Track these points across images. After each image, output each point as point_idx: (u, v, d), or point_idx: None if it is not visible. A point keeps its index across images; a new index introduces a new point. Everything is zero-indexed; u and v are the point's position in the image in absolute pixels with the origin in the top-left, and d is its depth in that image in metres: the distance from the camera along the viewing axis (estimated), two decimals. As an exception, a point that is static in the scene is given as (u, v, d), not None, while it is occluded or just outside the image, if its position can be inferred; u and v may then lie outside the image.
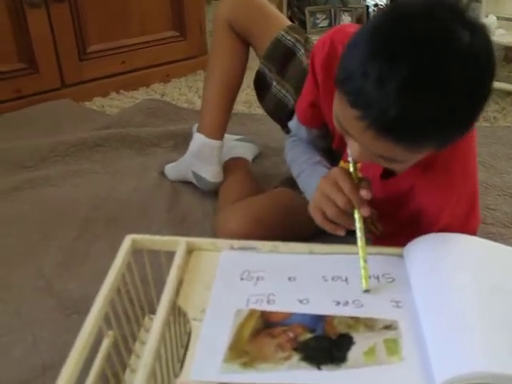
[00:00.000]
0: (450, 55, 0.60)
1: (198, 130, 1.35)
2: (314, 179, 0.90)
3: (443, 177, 0.79)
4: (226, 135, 1.38)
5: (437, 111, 0.62)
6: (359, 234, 0.74)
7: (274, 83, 1.24)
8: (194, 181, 1.38)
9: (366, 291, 0.69)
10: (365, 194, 0.75)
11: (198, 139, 1.33)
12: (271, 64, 1.23)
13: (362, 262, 0.72)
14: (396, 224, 0.91)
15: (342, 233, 0.78)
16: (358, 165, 0.82)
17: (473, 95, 0.63)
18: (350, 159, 0.79)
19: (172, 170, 1.46)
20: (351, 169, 0.79)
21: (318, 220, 0.81)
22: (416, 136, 0.65)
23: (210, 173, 1.33)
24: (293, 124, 1.09)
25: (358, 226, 0.75)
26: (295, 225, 1.13)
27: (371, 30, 0.64)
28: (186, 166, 1.38)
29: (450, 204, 0.79)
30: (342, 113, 0.69)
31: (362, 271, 0.71)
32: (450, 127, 0.65)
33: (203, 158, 1.33)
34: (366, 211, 0.75)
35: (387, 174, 0.87)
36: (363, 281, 0.70)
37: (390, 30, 0.62)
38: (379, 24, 0.64)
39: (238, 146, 1.53)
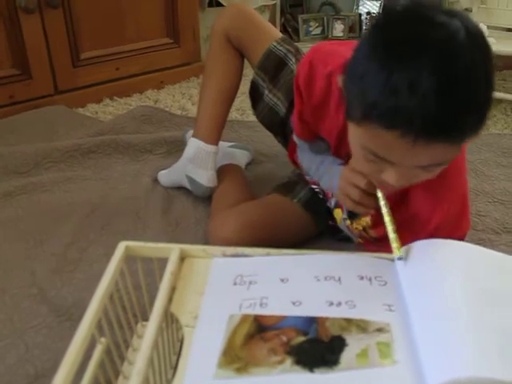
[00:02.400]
0: (457, 44, 0.62)
1: (194, 135, 1.36)
2: (336, 175, 0.95)
3: (436, 180, 0.80)
4: (219, 142, 1.39)
5: (470, 94, 0.63)
6: (385, 209, 0.81)
7: (266, 92, 1.26)
8: (188, 185, 1.38)
9: (400, 258, 0.74)
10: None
11: (194, 144, 1.34)
12: (264, 73, 1.26)
13: (392, 234, 0.77)
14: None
15: (372, 211, 0.87)
16: None
17: (487, 70, 0.65)
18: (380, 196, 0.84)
19: (165, 176, 1.47)
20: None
21: (348, 204, 0.90)
22: (462, 126, 0.65)
23: (205, 177, 1.34)
24: (296, 138, 1.13)
25: (383, 202, 0.81)
26: (288, 231, 1.15)
27: (375, 52, 0.65)
28: (180, 171, 1.39)
29: (442, 207, 0.81)
30: (374, 142, 0.68)
31: (394, 242, 0.76)
32: (482, 106, 0.66)
33: (198, 163, 1.34)
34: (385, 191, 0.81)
35: None
36: (396, 250, 0.75)
37: (393, 45, 0.63)
38: (384, 41, 0.65)
39: (231, 153, 1.54)
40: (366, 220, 0.98)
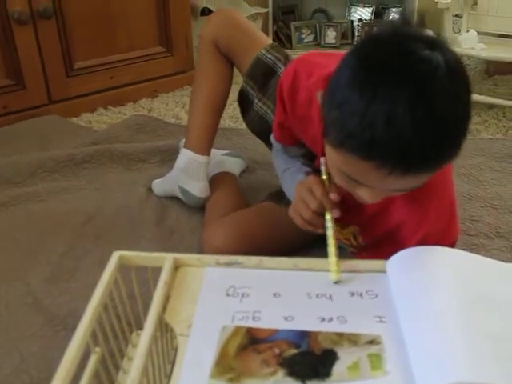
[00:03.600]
0: (437, 79, 0.61)
1: (185, 146, 1.36)
2: (293, 187, 0.97)
3: (421, 190, 0.80)
4: (213, 150, 1.39)
5: (448, 128, 0.63)
6: (330, 232, 0.83)
7: (256, 100, 1.26)
8: (181, 196, 1.39)
9: (337, 282, 0.74)
10: (334, 196, 0.85)
11: (185, 155, 1.34)
12: (253, 82, 1.26)
13: (333, 258, 0.77)
14: (376, 238, 0.92)
15: (320, 231, 0.87)
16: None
17: (465, 103, 0.65)
18: (322, 168, 0.88)
19: (159, 185, 1.47)
20: (324, 176, 0.89)
21: (297, 221, 0.91)
22: (438, 158, 0.66)
23: (197, 188, 1.35)
24: (272, 139, 1.14)
25: (329, 225, 0.84)
26: (281, 239, 1.15)
27: (355, 81, 0.64)
28: (173, 182, 1.39)
29: (428, 217, 0.81)
30: (349, 168, 0.69)
31: (334, 265, 0.76)
32: (458, 136, 0.66)
33: (190, 174, 1.34)
34: (336, 213, 0.85)
35: None
36: (334, 274, 0.75)
37: (374, 75, 0.62)
38: (362, 72, 0.64)
39: (225, 161, 1.54)
40: (353, 228, 0.98)
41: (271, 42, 1.30)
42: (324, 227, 0.86)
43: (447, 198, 0.85)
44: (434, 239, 0.79)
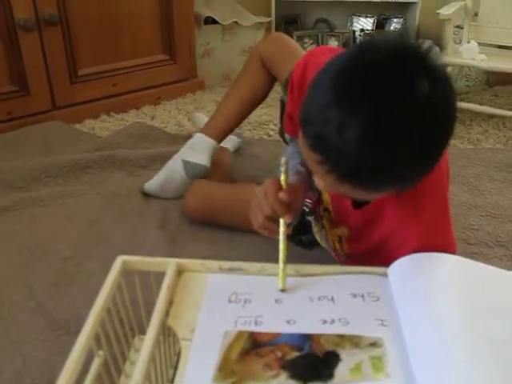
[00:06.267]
0: (407, 106, 0.61)
1: (201, 131, 1.46)
2: None
3: (414, 201, 0.80)
4: None
5: (394, 159, 0.63)
6: (281, 237, 0.82)
7: None
8: (182, 170, 1.44)
9: (283, 290, 0.74)
10: (282, 195, 0.84)
11: (197, 135, 1.45)
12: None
13: (280, 264, 0.77)
14: (366, 247, 0.93)
15: (274, 236, 0.85)
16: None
17: (430, 144, 0.64)
18: (281, 169, 0.88)
19: (153, 183, 1.50)
20: (282, 177, 0.88)
21: (254, 225, 0.90)
22: (374, 183, 0.67)
23: (199, 158, 1.43)
24: (286, 134, 1.19)
25: (282, 230, 0.83)
26: (240, 215, 1.21)
27: (333, 76, 0.65)
28: (177, 157, 1.45)
29: (418, 229, 0.80)
30: (304, 153, 0.70)
31: (280, 272, 0.75)
32: (407, 175, 0.67)
33: (195, 148, 1.44)
34: (289, 218, 0.84)
35: (359, 203, 0.90)
36: (280, 281, 0.75)
37: (350, 79, 0.63)
38: (340, 71, 0.65)
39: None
40: (343, 230, 0.98)
41: None
42: (274, 232, 0.85)
43: (440, 212, 0.83)
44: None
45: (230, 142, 1.70)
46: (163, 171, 1.48)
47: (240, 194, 1.28)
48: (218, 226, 1.34)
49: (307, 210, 1.16)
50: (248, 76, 1.44)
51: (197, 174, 1.43)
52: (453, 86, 0.66)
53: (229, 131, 1.48)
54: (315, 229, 1.13)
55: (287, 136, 1.15)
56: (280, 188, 0.86)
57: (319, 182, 0.75)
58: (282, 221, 0.84)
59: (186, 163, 1.43)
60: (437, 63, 0.64)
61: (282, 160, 0.88)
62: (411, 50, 0.64)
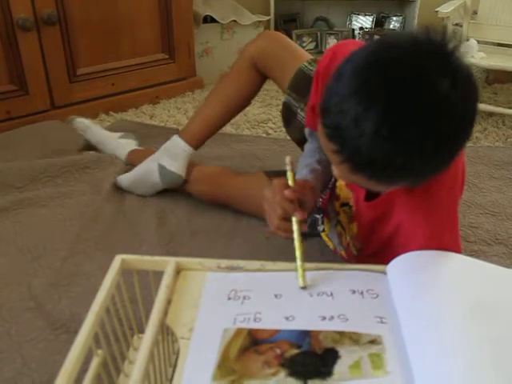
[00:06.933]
0: (424, 105, 0.61)
1: (179, 135, 1.42)
2: None
3: (424, 200, 0.81)
4: (111, 134, 1.61)
5: (408, 156, 0.64)
6: (296, 234, 0.82)
7: (299, 110, 1.27)
8: (157, 175, 1.43)
9: (303, 288, 0.73)
10: (288, 193, 0.84)
11: (176, 140, 1.41)
12: (295, 93, 1.28)
13: (298, 262, 0.76)
14: (376, 244, 0.93)
15: (291, 237, 0.84)
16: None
17: (445, 144, 0.65)
18: (287, 167, 0.88)
19: (133, 172, 1.49)
20: (288, 175, 0.88)
21: (271, 228, 0.89)
22: (388, 175, 0.68)
23: (175, 166, 1.41)
24: (306, 131, 1.14)
25: (294, 228, 0.83)
26: (246, 204, 1.34)
27: (354, 68, 0.65)
28: (153, 160, 1.43)
29: (424, 229, 0.80)
30: (322, 141, 0.71)
31: (300, 270, 0.75)
32: (420, 171, 0.68)
33: (173, 156, 1.40)
34: (300, 215, 0.83)
35: (371, 195, 0.90)
36: (300, 279, 0.74)
37: (371, 73, 0.63)
38: (361, 64, 0.65)
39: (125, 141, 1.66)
40: (353, 228, 0.99)
41: (311, 56, 1.33)
42: (289, 231, 0.85)
43: (450, 212, 0.83)
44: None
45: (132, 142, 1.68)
46: (139, 168, 1.47)
47: (249, 186, 1.30)
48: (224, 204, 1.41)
49: (317, 207, 1.16)
50: (235, 77, 1.38)
51: (171, 183, 1.42)
52: (476, 87, 0.66)
53: (208, 136, 1.43)
54: (324, 226, 1.13)
55: (307, 131, 1.11)
56: (287, 186, 0.86)
57: (335, 170, 0.76)
58: (294, 219, 0.84)
59: (161, 168, 1.42)
60: (460, 63, 0.64)
61: (287, 159, 0.89)
62: (435, 48, 0.64)
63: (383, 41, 0.69)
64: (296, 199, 0.85)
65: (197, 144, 1.41)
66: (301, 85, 1.26)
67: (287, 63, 1.29)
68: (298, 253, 0.78)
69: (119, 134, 1.71)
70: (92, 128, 1.75)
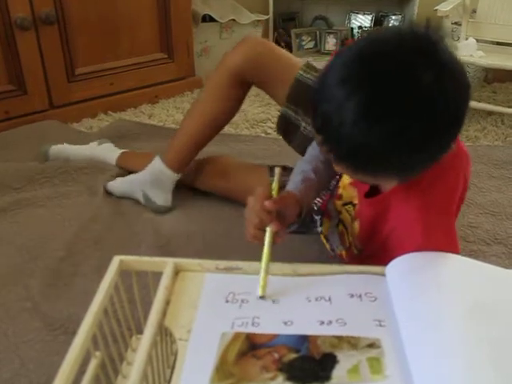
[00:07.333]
0: (405, 97, 0.62)
1: (162, 157, 1.36)
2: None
3: (423, 199, 0.80)
4: (90, 145, 1.61)
5: (386, 148, 0.65)
6: (266, 245, 0.81)
7: (303, 124, 1.22)
8: (142, 200, 1.42)
9: (262, 297, 0.72)
10: (268, 204, 0.82)
11: (159, 165, 1.36)
12: (295, 105, 1.22)
13: (262, 272, 0.75)
14: (376, 244, 0.93)
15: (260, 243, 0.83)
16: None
17: (430, 137, 0.65)
18: (275, 178, 0.90)
19: (120, 184, 1.48)
20: (273, 185, 0.89)
21: (246, 235, 0.86)
22: (370, 166, 0.69)
23: (162, 198, 1.39)
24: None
25: (267, 238, 0.82)
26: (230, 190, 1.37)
27: (343, 62, 0.68)
28: (138, 184, 1.41)
29: (420, 229, 0.80)
30: (315, 134, 0.73)
31: (261, 281, 0.74)
32: (406, 163, 0.68)
33: (157, 184, 1.37)
34: (275, 226, 0.82)
35: (372, 192, 0.90)
36: (260, 288, 0.73)
37: (357, 65, 0.66)
38: (350, 57, 0.67)
39: (106, 148, 1.63)
40: (356, 227, 0.98)
41: (302, 61, 1.26)
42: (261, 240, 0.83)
43: (448, 212, 0.83)
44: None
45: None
46: (125, 183, 1.45)
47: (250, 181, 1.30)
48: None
49: (316, 208, 1.15)
50: (215, 94, 1.28)
51: (156, 211, 1.41)
52: (465, 80, 0.67)
53: (193, 157, 1.36)
54: (321, 228, 1.12)
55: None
56: (269, 197, 0.85)
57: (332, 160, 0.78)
58: (268, 229, 0.83)
59: (146, 197, 1.40)
60: (446, 56, 0.65)
61: (276, 170, 0.91)
62: (420, 41, 0.65)
63: (371, 36, 0.72)
64: (275, 210, 0.84)
65: (181, 168, 1.36)
66: (300, 96, 1.20)
67: (279, 73, 1.22)
68: (263, 263, 0.77)
69: (96, 142, 1.67)
70: (68, 149, 1.64)
